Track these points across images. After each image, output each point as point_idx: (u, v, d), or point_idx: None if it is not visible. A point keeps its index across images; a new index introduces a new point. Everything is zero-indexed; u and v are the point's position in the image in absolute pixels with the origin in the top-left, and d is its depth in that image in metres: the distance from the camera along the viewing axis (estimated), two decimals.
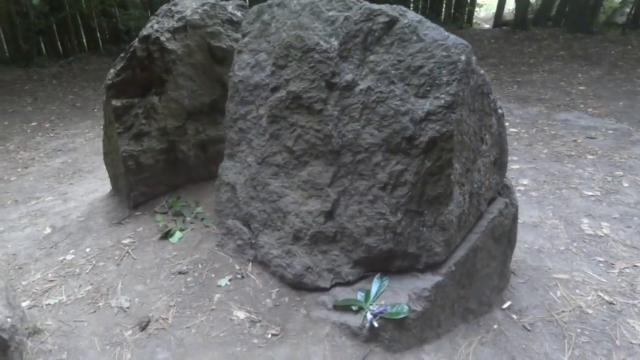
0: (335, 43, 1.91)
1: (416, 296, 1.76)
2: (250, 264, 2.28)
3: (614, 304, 2.07)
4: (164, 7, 2.54)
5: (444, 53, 1.67)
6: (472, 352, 1.80)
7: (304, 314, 1.95)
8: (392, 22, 1.80)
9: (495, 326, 1.94)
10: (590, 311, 2.04)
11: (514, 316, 2.01)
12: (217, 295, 2.11)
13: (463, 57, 1.64)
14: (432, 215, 1.78)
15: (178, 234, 2.58)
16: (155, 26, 2.46)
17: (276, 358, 1.75)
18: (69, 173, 4.02)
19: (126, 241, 2.61)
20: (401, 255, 1.85)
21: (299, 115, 2.06)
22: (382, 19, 1.82)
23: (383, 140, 1.81)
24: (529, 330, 1.93)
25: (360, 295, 1.86)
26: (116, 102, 2.53)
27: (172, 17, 2.50)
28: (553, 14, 9.64)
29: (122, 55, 2.53)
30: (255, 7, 2.39)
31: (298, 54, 2.03)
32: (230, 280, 2.20)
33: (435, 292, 1.76)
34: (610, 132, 4.14)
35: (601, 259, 2.41)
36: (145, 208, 2.88)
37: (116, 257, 2.48)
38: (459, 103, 1.66)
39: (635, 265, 2.34)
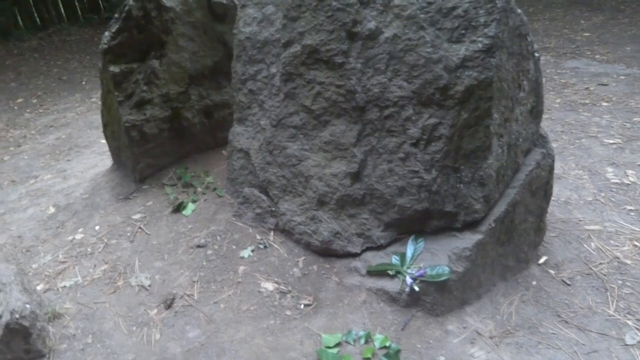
0: None
1: (456, 256, 1.67)
2: (271, 233, 2.17)
3: None
4: None
5: None
6: (515, 311, 1.73)
7: (336, 282, 1.86)
8: None
9: (534, 282, 1.87)
10: (628, 262, 1.97)
11: (552, 271, 1.94)
12: (242, 268, 2.01)
13: None
14: (469, 171, 1.67)
15: (191, 206, 2.46)
16: None
17: (313, 329, 1.67)
18: (65, 149, 3.85)
19: (137, 216, 2.49)
20: (437, 214, 1.75)
21: (316, 71, 1.91)
22: None
23: (413, 93, 1.68)
24: (568, 285, 1.86)
25: (395, 259, 1.77)
26: (114, 68, 2.35)
27: None
28: None
29: (116, 16, 2.33)
30: None
31: (313, 3, 1.86)
32: (252, 251, 2.10)
33: (476, 251, 1.67)
34: (622, 77, 4.01)
35: (631, 208, 2.33)
36: (152, 181, 2.74)
37: (128, 234, 2.37)
38: (498, 46, 1.52)
39: None
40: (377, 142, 1.81)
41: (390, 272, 1.74)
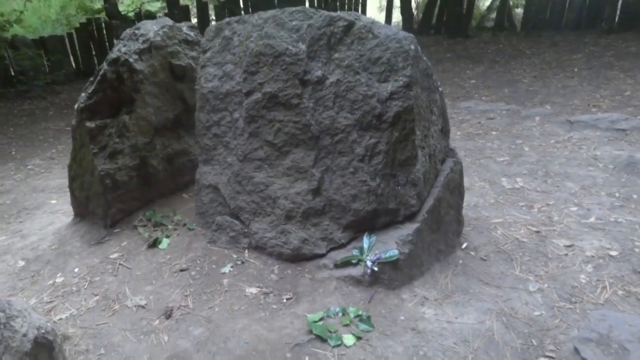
0: (303, 46, 2.29)
1: (402, 242, 2.17)
2: (246, 251, 2.54)
3: (540, 232, 2.65)
4: (128, 31, 2.74)
5: (397, 45, 2.12)
6: (450, 281, 2.24)
7: (309, 278, 2.27)
8: (350, 25, 2.23)
9: (461, 261, 2.41)
10: (525, 240, 2.59)
11: (472, 253, 2.50)
12: (225, 280, 2.35)
13: (412, 47, 2.11)
14: (404, 175, 2.21)
15: (166, 240, 2.75)
16: (123, 49, 2.66)
17: (299, 312, 2.05)
18: (14, 213, 3.91)
19: (114, 256, 2.72)
20: (384, 212, 2.25)
21: (276, 112, 2.40)
22: (341, 23, 2.24)
23: (356, 121, 2.22)
24: (485, 260, 2.42)
25: (355, 252, 2.23)
26: (90, 124, 2.66)
27: (137, 40, 2.71)
28: (434, 23, 10.89)
29: (91, 79, 2.68)
30: (212, 26, 2.70)
31: (269, 60, 2.38)
32: (232, 267, 2.44)
33: (416, 236, 2.18)
34: (504, 112, 4.96)
35: (522, 204, 3.01)
36: (122, 225, 2.99)
37: (110, 270, 2.60)
38: (414, 82, 2.12)
39: (547, 204, 2.97)
40: (331, 162, 2.31)
41: (354, 262, 2.19)
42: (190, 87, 3.09)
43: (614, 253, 2.37)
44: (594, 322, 1.79)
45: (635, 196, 2.92)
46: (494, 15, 11.48)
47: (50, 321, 2.24)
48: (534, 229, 2.69)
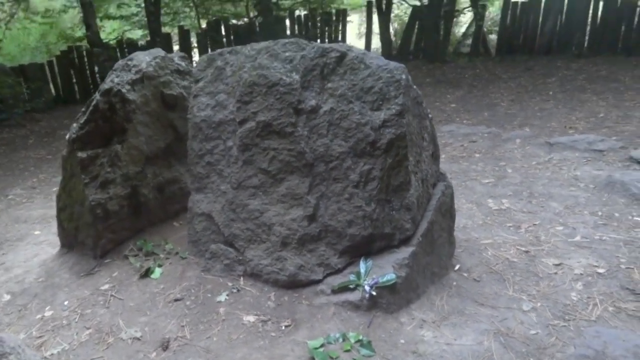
0: (296, 77, 2.35)
1: (399, 265, 2.20)
2: (241, 279, 2.53)
3: (529, 252, 2.72)
4: (120, 62, 2.77)
5: (389, 75, 2.20)
6: (445, 303, 2.28)
7: (307, 304, 2.28)
8: (342, 56, 2.30)
9: (455, 283, 2.45)
10: (515, 260, 2.65)
11: (465, 274, 2.54)
12: (222, 309, 2.34)
13: (404, 76, 2.19)
14: (398, 200, 2.26)
15: (158, 270, 2.73)
16: (116, 80, 2.68)
17: (299, 339, 2.05)
18: None
19: (105, 287, 2.68)
20: (379, 237, 2.29)
21: (270, 140, 2.44)
22: (334, 54, 2.31)
23: (350, 148, 2.27)
24: (478, 281, 2.47)
25: (352, 277, 2.25)
26: (82, 154, 2.66)
27: (130, 70, 2.74)
28: (412, 49, 11.19)
29: (83, 109, 2.68)
30: (204, 56, 2.75)
31: (263, 90, 2.43)
32: (227, 295, 2.43)
33: (412, 259, 2.22)
34: (486, 135, 5.10)
35: (510, 224, 3.09)
36: (112, 255, 2.95)
37: (101, 302, 2.56)
38: (406, 110, 2.19)
39: (534, 224, 3.05)
40: (326, 189, 2.34)
41: (351, 287, 2.21)
42: (182, 116, 3.11)
43: (601, 270, 2.44)
44: (589, 338, 1.84)
45: (617, 214, 3.03)
46: (469, 41, 11.86)
47: (42, 357, 2.18)
48: (523, 248, 2.76)
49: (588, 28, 9.34)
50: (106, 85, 2.67)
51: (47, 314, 2.55)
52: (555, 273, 2.48)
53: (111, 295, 2.59)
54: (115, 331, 2.28)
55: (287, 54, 2.40)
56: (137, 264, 2.79)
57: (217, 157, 2.66)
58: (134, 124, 2.83)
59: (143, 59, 2.80)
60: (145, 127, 2.91)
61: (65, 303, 2.60)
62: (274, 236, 2.45)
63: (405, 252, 2.23)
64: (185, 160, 3.26)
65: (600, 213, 3.08)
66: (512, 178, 3.84)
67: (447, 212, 2.52)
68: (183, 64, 3.07)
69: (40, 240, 3.74)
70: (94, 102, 2.65)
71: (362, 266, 2.26)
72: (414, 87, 2.34)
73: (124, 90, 2.69)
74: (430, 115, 2.53)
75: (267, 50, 2.47)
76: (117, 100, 2.69)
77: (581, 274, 2.44)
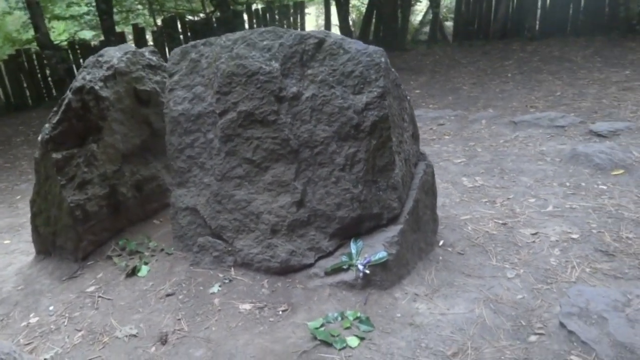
0: (276, 65, 2.37)
1: (389, 243, 2.26)
2: (232, 270, 2.54)
3: (506, 224, 2.85)
4: (91, 59, 2.70)
5: (368, 58, 2.25)
6: (435, 277, 2.36)
7: (301, 288, 2.31)
8: (321, 42, 2.33)
9: (440, 257, 2.54)
10: (494, 232, 2.77)
11: (449, 249, 2.64)
12: (216, 300, 2.34)
13: (383, 59, 2.24)
14: (384, 181, 2.32)
15: (145, 268, 2.69)
16: (87, 77, 2.61)
17: (298, 322, 2.08)
18: None
19: (91, 289, 2.63)
20: (368, 217, 2.34)
21: (253, 129, 2.44)
22: (312, 40, 2.34)
23: (334, 132, 2.31)
24: (462, 255, 2.57)
25: (344, 258, 2.30)
26: (57, 155, 2.58)
27: (101, 67, 2.67)
28: (371, 39, 11.31)
29: (55, 109, 2.60)
30: (177, 50, 2.72)
31: (242, 79, 2.43)
32: (220, 286, 2.43)
33: (401, 236, 2.29)
34: (453, 118, 5.26)
35: (485, 200, 3.22)
36: (94, 257, 2.89)
37: (89, 304, 2.51)
38: (387, 93, 2.25)
39: (508, 198, 3.19)
40: (313, 174, 2.38)
41: (344, 267, 2.26)
42: (156, 112, 3.07)
43: (575, 236, 2.59)
44: (573, 297, 1.96)
45: (583, 184, 3.21)
46: (426, 29, 12.11)
47: None
48: (500, 221, 2.88)
49: (539, 12, 9.71)
50: (77, 82, 2.60)
51: (33, 320, 2.48)
52: (533, 242, 2.60)
53: (99, 297, 2.54)
54: (108, 330, 2.25)
55: (264, 42, 2.41)
56: (122, 264, 2.75)
57: (198, 150, 2.64)
58: (109, 122, 2.76)
59: (114, 55, 2.74)
60: (120, 125, 2.85)
61: (51, 308, 2.54)
62: (262, 224, 2.47)
63: (394, 231, 2.30)
64: (162, 157, 3.22)
65: (568, 184, 3.25)
66: (483, 157, 3.98)
67: (430, 190, 2.60)
68: (154, 58, 3.02)
69: (12, 249, 3.61)
70: (65, 101, 2.57)
71: (353, 247, 2.31)
72: (392, 69, 2.40)
73: (96, 87, 2.62)
74: (408, 97, 2.60)
75: (243, 39, 2.47)
76: (91, 97, 2.62)
77: (557, 241, 2.58)
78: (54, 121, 2.57)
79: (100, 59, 2.70)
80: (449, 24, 12.41)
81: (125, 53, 2.81)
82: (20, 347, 2.25)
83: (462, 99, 6.13)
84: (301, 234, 2.42)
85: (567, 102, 5.30)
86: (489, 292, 2.20)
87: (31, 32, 10.87)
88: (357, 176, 2.30)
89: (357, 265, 2.21)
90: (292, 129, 2.37)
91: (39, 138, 2.62)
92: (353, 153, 2.29)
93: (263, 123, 2.41)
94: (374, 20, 11.24)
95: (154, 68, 3.02)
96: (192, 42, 2.68)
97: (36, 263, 3.06)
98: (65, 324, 2.38)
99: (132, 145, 2.98)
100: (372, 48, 2.27)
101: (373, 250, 2.26)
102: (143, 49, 3.01)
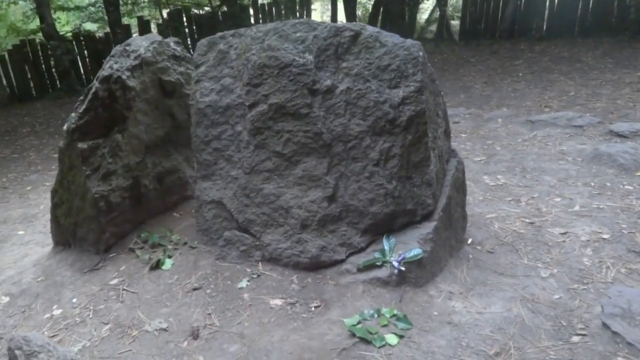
0: (310, 57, 2.33)
1: (423, 240, 2.23)
2: (260, 264, 2.50)
3: (534, 223, 2.82)
4: (118, 48, 2.65)
5: (406, 52, 2.21)
6: (467, 275, 2.33)
7: (333, 284, 2.28)
8: (356, 35, 2.29)
9: (471, 256, 2.51)
10: (522, 231, 2.75)
11: (478, 247, 2.61)
12: (246, 295, 2.30)
13: (421, 53, 2.20)
14: (419, 177, 2.29)
15: (169, 261, 2.65)
16: (115, 66, 2.56)
17: (333, 318, 2.05)
18: None
19: (114, 282, 2.59)
20: (401, 213, 2.31)
21: (284, 122, 2.40)
22: (347, 33, 2.30)
23: (369, 127, 2.27)
24: (492, 253, 2.54)
25: (377, 254, 2.26)
26: (82, 145, 2.53)
27: (129, 56, 2.62)
28: None
29: (81, 98, 2.56)
30: (204, 40, 2.67)
31: (274, 71, 2.39)
32: (248, 281, 2.40)
33: (435, 233, 2.25)
34: (467, 116, 5.23)
35: (509, 199, 3.19)
36: (115, 249, 2.85)
37: (114, 297, 2.47)
38: (424, 87, 2.21)
39: (532, 197, 3.16)
40: (345, 169, 2.34)
41: (378, 264, 2.23)
42: (179, 103, 3.02)
43: (606, 236, 2.56)
44: (614, 298, 1.94)
45: (608, 184, 3.18)
46: (432, 27, 12.08)
47: (75, 352, 2.08)
48: (528, 220, 2.86)
49: (546, 12, 9.68)
50: (105, 72, 2.55)
51: (56, 312, 2.44)
52: (564, 241, 2.58)
53: (123, 289, 2.50)
54: (137, 324, 2.21)
55: (298, 34, 2.37)
56: (144, 257, 2.71)
57: (226, 143, 2.60)
58: (134, 112, 2.72)
59: (141, 44, 2.69)
60: (144, 115, 2.81)
61: (74, 300, 2.50)
62: (292, 219, 2.43)
63: (428, 227, 2.27)
64: (184, 149, 3.18)
65: (592, 184, 3.23)
66: (502, 155, 3.96)
67: (461, 187, 2.57)
68: (179, 49, 2.98)
69: (27, 240, 3.56)
70: (92, 90, 2.53)
71: (386, 243, 2.28)
72: (429, 64, 2.37)
73: (124, 77, 2.57)
74: (442, 93, 2.56)
75: (275, 31, 2.43)
76: (118, 87, 2.57)
77: (588, 240, 2.55)
78: (80, 110, 2.52)
79: (127, 47, 2.65)
80: (455, 22, 12.38)
81: (152, 43, 2.76)
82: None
83: (475, 98, 6.10)
84: (332, 230, 2.38)
85: (581, 102, 5.28)
86: (525, 292, 2.17)
87: (35, 22, 10.76)
88: (391, 171, 2.27)
89: (391, 262, 2.18)
90: (325, 122, 2.33)
91: (64, 127, 2.58)
92: (388, 148, 2.26)
93: (295, 116, 2.37)
94: (380, 17, 11.20)
95: (179, 59, 2.97)
96: (220, 33, 2.64)
97: (55, 254, 3.01)
98: (90, 316, 2.34)
99: (155, 136, 2.93)
100: (409, 41, 2.23)
101: (406, 247, 2.23)
102: (168, 39, 2.96)
